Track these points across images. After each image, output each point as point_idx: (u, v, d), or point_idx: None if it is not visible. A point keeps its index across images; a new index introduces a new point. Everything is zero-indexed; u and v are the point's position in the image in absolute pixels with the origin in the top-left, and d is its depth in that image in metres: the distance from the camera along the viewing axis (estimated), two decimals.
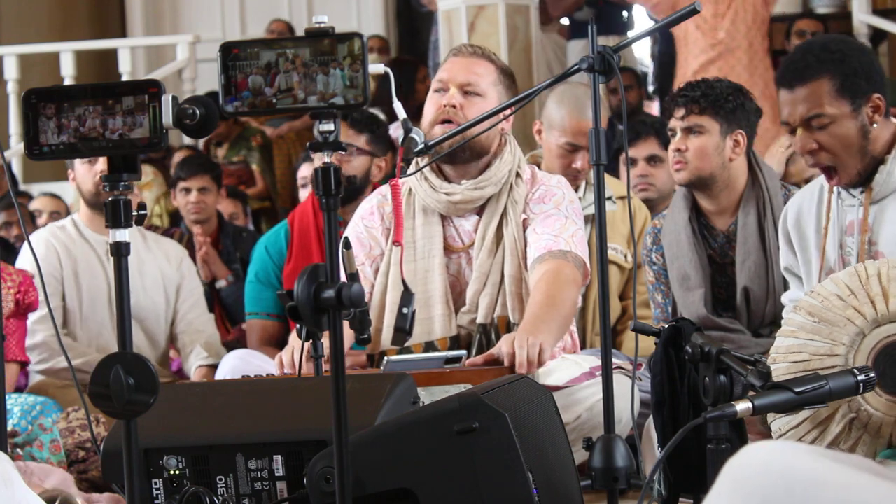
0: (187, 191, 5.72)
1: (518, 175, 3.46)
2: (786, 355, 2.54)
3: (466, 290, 3.40)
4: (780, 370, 2.50)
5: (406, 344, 3.23)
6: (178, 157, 6.98)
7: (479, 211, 3.45)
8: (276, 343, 4.57)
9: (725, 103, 3.68)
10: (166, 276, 4.48)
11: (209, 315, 4.67)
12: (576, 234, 3.36)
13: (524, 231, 3.40)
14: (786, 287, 3.38)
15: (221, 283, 5.47)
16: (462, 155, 3.39)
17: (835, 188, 3.05)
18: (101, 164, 4.25)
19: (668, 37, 7.39)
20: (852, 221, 3.00)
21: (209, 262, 5.51)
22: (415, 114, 4.40)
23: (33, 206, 6.40)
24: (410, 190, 3.49)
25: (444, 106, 3.38)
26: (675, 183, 4.99)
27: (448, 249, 3.44)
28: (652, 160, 4.81)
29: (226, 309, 5.46)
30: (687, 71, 6.06)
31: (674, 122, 3.73)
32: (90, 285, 4.35)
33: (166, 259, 4.51)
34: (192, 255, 5.66)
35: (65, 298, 4.31)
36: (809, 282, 3.07)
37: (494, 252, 3.39)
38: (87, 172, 4.31)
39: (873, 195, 2.96)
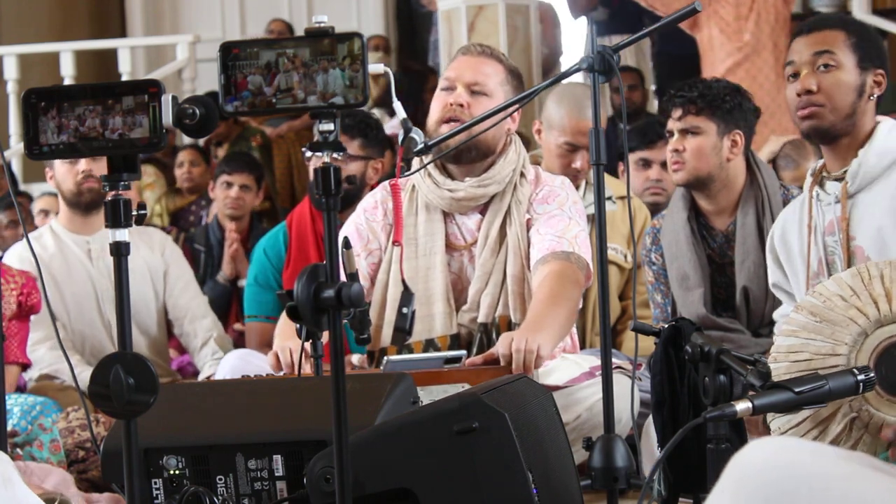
0: (229, 185, 5.72)
1: (522, 175, 3.46)
2: (786, 354, 2.54)
3: (468, 288, 3.40)
4: (780, 369, 2.50)
5: (406, 342, 3.24)
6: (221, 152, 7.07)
7: (482, 209, 3.45)
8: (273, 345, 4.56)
9: (722, 104, 3.67)
10: (151, 265, 4.46)
11: (203, 298, 4.64)
12: (579, 236, 3.35)
13: (527, 231, 3.40)
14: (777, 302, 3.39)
15: (244, 282, 5.45)
16: (468, 154, 3.39)
17: (814, 191, 3.07)
18: (83, 163, 4.23)
19: (668, 36, 7.38)
20: (832, 220, 3.02)
21: (237, 259, 5.51)
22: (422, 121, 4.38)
23: (40, 205, 6.39)
24: (414, 186, 3.48)
25: (451, 104, 3.37)
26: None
27: (450, 247, 3.44)
28: (666, 165, 4.81)
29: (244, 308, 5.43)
30: (714, 75, 6.03)
31: (671, 124, 3.73)
32: (73, 290, 4.32)
33: (149, 248, 4.48)
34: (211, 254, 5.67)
35: (49, 305, 4.28)
36: (799, 291, 3.09)
37: (497, 251, 3.39)
38: (67, 172, 4.28)
39: (849, 189, 2.98)
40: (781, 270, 3.19)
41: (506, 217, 3.41)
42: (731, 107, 3.68)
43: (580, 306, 3.48)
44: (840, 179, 3.02)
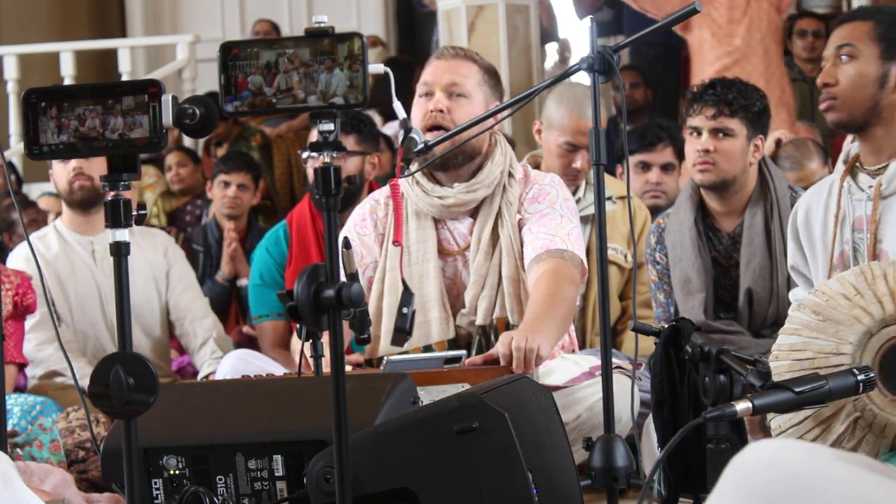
0: (226, 184, 5.72)
1: (511, 175, 3.44)
2: (789, 353, 2.53)
3: (464, 292, 3.40)
4: (782, 367, 2.50)
5: (405, 346, 3.23)
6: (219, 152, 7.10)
7: (473, 213, 3.44)
8: (287, 343, 4.56)
9: (752, 107, 3.65)
10: (155, 266, 4.46)
11: (204, 299, 4.64)
12: (571, 233, 3.35)
13: (520, 231, 3.39)
14: (790, 286, 3.36)
15: (243, 282, 5.45)
16: (454, 160, 3.37)
17: (845, 183, 3.02)
18: (74, 161, 4.23)
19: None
20: (861, 217, 2.98)
21: (235, 258, 5.51)
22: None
23: (40, 206, 6.40)
24: (403, 194, 3.47)
25: (431, 111, 3.35)
26: (678, 189, 4.97)
27: (443, 253, 3.43)
28: (666, 168, 4.80)
29: (244, 308, 5.42)
30: (703, 78, 6.02)
31: (700, 121, 3.67)
32: (77, 290, 4.32)
33: (153, 249, 4.48)
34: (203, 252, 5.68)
35: (53, 305, 4.29)
36: (817, 277, 3.05)
37: (491, 254, 3.38)
38: (61, 170, 4.29)
39: (882, 190, 2.95)
40: (801, 253, 3.13)
41: (497, 219, 3.40)
42: (760, 110, 3.66)
43: (577, 304, 3.48)
44: (874, 174, 2.97)
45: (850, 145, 3.10)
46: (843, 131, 3.07)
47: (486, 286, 3.36)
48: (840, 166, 3.06)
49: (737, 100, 3.63)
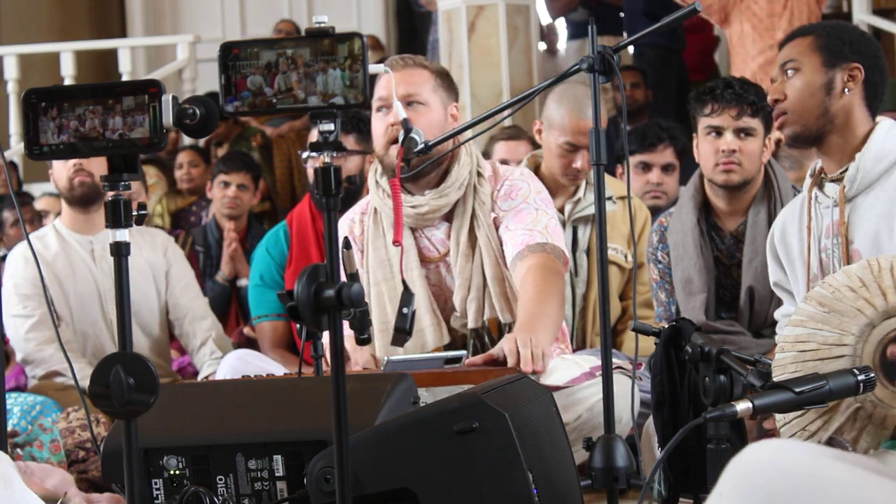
0: (226, 184, 5.72)
1: (479, 174, 3.44)
2: (794, 344, 2.54)
3: (452, 297, 3.40)
4: (787, 359, 2.51)
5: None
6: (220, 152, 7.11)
7: (448, 217, 3.43)
8: (287, 344, 4.56)
9: (767, 106, 3.66)
10: (154, 265, 4.45)
11: (203, 299, 4.64)
12: (549, 224, 3.35)
13: (497, 230, 3.39)
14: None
15: (243, 282, 5.45)
16: (424, 168, 3.36)
17: (813, 192, 3.07)
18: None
19: (669, 35, 7.39)
20: (830, 223, 3.03)
21: (235, 258, 5.51)
22: None
23: (39, 206, 6.40)
24: (376, 210, 3.47)
25: (392, 125, 3.32)
26: (679, 189, 4.98)
27: (425, 260, 3.43)
28: (666, 168, 4.79)
29: (244, 308, 5.42)
30: (745, 72, 5.97)
31: (723, 121, 3.66)
32: (77, 290, 4.32)
33: (152, 248, 4.48)
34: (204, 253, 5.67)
35: (53, 305, 4.28)
36: (799, 293, 3.10)
37: (471, 256, 3.38)
38: (61, 167, 4.29)
39: (846, 193, 2.99)
40: (782, 269, 3.20)
41: (472, 220, 3.40)
42: (770, 110, 3.68)
43: (565, 294, 3.48)
44: (838, 181, 3.03)
45: (817, 159, 3.15)
46: (801, 146, 3.14)
47: (472, 288, 3.36)
48: (808, 181, 3.12)
49: (756, 101, 3.64)
